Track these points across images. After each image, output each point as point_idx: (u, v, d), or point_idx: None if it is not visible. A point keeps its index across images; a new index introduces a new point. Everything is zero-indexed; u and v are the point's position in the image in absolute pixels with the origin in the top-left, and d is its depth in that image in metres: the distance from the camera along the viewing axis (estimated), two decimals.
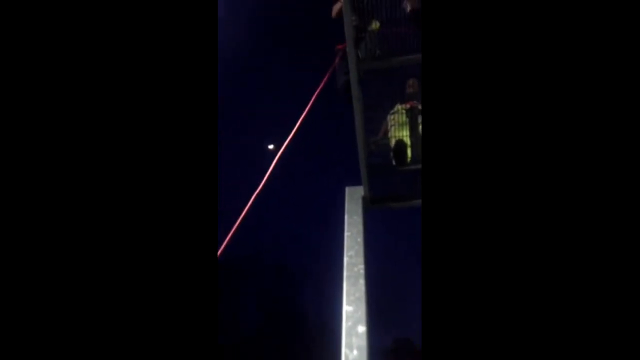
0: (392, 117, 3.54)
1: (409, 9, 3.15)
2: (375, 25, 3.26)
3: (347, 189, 3.53)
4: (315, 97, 2.96)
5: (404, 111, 3.51)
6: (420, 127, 3.48)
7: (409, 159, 3.38)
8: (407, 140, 3.40)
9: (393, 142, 3.41)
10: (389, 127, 3.53)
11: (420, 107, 3.49)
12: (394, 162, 3.38)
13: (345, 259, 2.93)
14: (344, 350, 2.40)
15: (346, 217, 3.28)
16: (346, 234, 3.12)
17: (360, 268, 2.83)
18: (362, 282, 2.74)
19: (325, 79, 3.26)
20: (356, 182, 3.52)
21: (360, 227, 3.14)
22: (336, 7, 3.63)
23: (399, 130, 3.45)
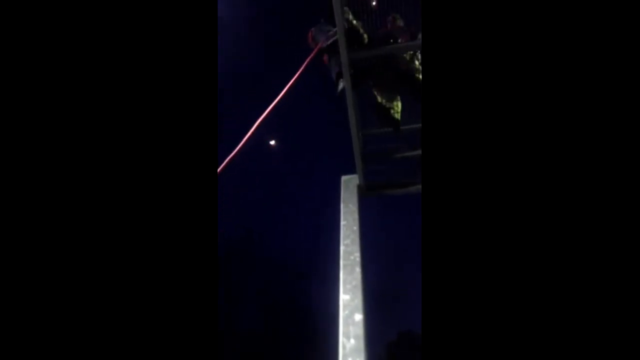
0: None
1: None
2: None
3: (343, 178, 3.50)
4: (298, 76, 2.91)
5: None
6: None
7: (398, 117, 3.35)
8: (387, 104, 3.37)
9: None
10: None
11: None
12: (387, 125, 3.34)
13: (342, 248, 2.90)
14: (341, 339, 2.37)
15: (342, 206, 3.24)
16: (342, 222, 3.09)
17: (357, 256, 2.79)
18: (358, 270, 2.71)
19: (308, 59, 3.20)
20: (353, 171, 3.49)
21: (355, 216, 3.11)
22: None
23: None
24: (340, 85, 3.11)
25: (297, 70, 3.14)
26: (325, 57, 3.54)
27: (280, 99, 2.83)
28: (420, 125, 3.50)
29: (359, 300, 2.53)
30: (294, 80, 3.01)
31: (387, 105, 3.39)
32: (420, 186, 3.53)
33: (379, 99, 3.36)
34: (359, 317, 2.45)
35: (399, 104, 3.46)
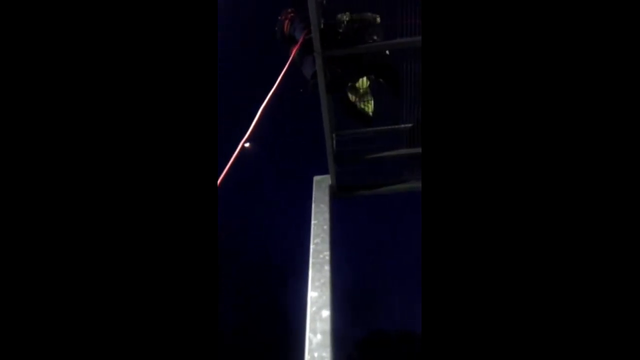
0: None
1: None
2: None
3: (315, 178, 3.56)
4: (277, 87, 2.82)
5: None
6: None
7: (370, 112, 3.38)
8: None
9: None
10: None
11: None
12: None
13: (312, 247, 2.95)
14: (307, 334, 2.42)
15: (313, 205, 3.30)
16: (313, 222, 3.14)
17: (326, 255, 2.85)
18: (327, 268, 2.77)
19: (286, 66, 3.15)
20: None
21: (326, 215, 3.16)
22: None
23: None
24: (313, 81, 3.09)
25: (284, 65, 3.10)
26: (294, 50, 3.50)
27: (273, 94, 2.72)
28: (393, 126, 3.58)
29: (326, 297, 2.59)
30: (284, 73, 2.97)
31: (361, 104, 3.42)
32: (391, 187, 3.61)
33: (351, 97, 3.39)
34: (326, 313, 2.50)
35: (372, 103, 3.49)
